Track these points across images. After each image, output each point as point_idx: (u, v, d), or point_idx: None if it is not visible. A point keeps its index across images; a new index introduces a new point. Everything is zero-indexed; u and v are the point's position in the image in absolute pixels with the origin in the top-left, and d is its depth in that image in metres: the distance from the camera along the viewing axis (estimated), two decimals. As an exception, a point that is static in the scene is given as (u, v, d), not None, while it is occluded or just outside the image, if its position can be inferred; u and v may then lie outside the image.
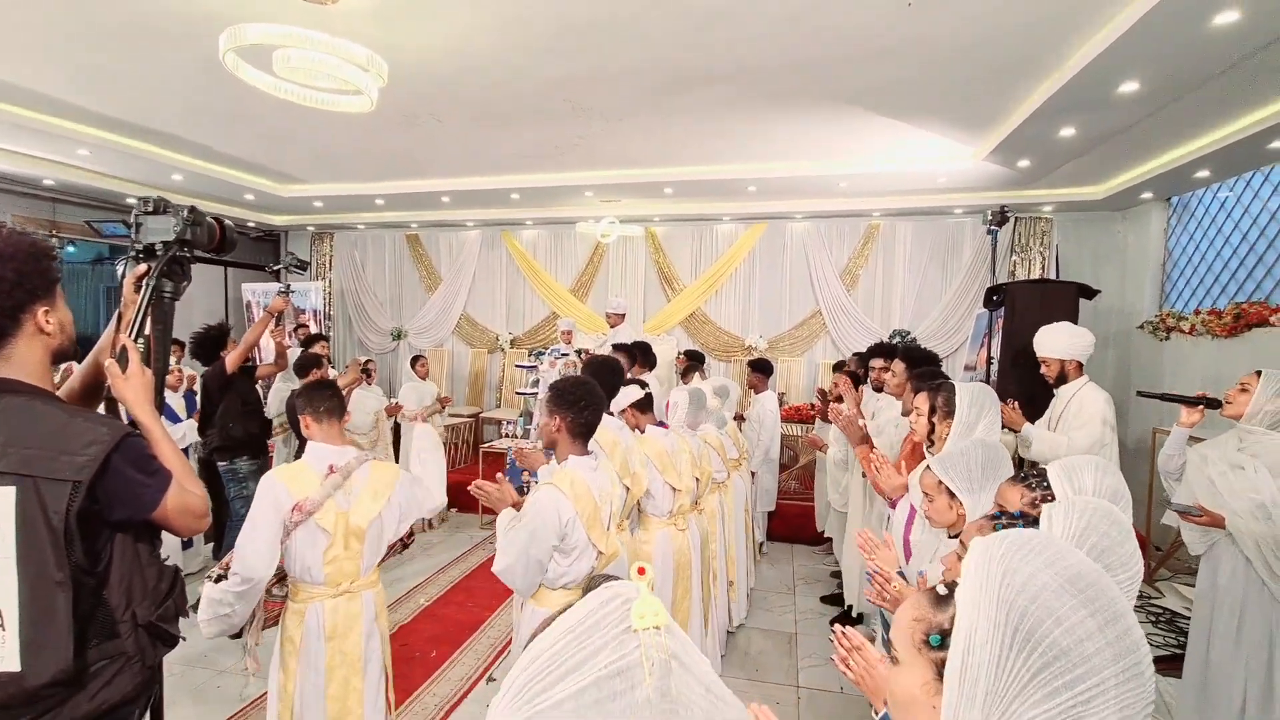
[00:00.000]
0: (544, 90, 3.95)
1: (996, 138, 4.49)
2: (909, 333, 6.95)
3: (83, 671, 1.23)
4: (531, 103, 4.17)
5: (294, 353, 4.89)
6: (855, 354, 5.07)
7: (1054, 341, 3.22)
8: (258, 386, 4.40)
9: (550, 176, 6.05)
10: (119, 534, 1.30)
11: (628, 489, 2.56)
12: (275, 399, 4.82)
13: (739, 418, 5.13)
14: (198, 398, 4.68)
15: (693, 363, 5.13)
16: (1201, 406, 2.59)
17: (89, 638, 1.25)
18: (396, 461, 5.25)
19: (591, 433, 2.19)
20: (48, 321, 1.30)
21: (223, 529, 4.02)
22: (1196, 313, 5.10)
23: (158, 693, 1.45)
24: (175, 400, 4.77)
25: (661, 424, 3.26)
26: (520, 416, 6.36)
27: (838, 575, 4.61)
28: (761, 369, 5.31)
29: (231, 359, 3.85)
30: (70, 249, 6.98)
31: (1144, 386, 3.50)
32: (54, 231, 6.38)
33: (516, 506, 2.14)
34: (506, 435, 6.31)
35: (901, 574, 1.82)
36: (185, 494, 1.35)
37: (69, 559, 1.18)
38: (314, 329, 7.66)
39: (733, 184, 6.01)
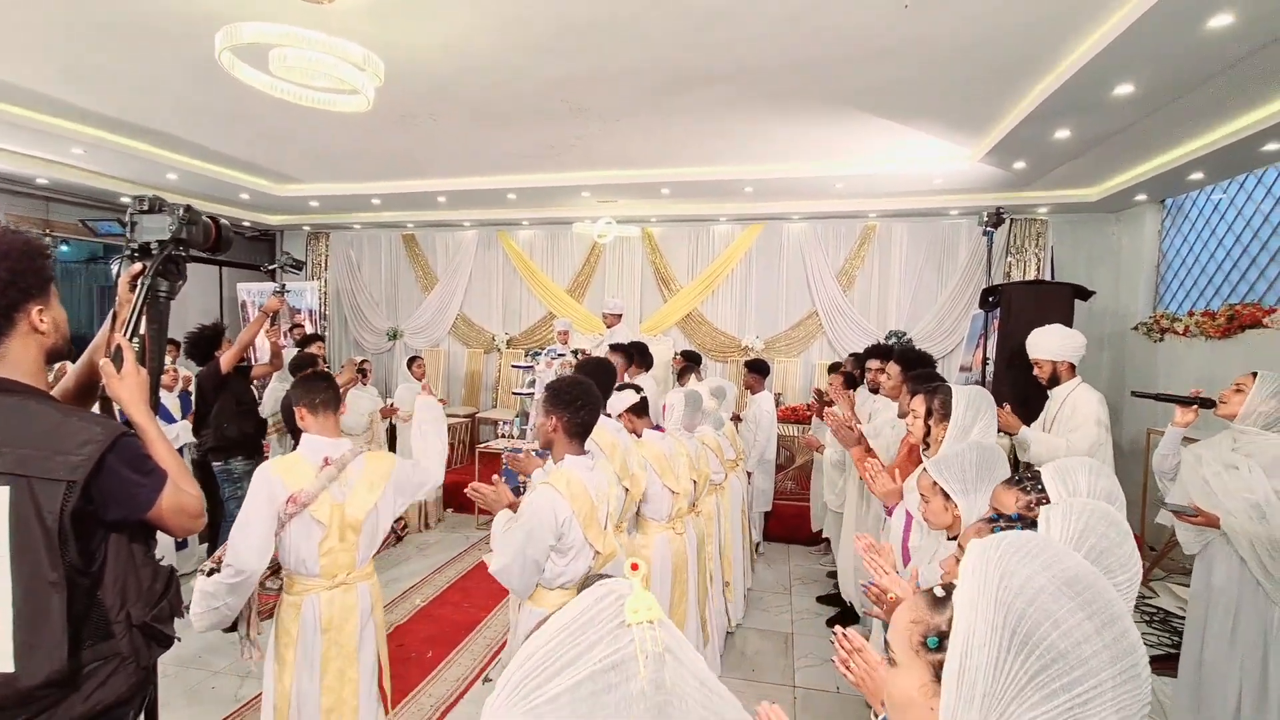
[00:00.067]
0: (542, 90, 3.95)
1: (992, 139, 4.51)
2: (905, 334, 6.96)
3: (77, 672, 1.22)
4: (529, 103, 4.16)
5: (289, 353, 4.87)
6: (851, 355, 5.08)
7: (1046, 343, 3.25)
8: (253, 387, 4.38)
9: (547, 177, 6.04)
10: (114, 534, 1.29)
11: (626, 490, 2.56)
12: (270, 399, 4.80)
13: (735, 418, 5.13)
14: (192, 398, 4.66)
15: (689, 363, 5.14)
16: (1196, 406, 2.60)
17: (83, 638, 1.24)
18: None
19: (588, 432, 2.19)
20: (42, 320, 1.29)
21: (217, 530, 4.00)
22: (1190, 314, 5.13)
23: (152, 693, 1.44)
24: (170, 400, 4.76)
25: (658, 427, 3.26)
26: (517, 417, 6.35)
27: (834, 575, 4.62)
28: (758, 370, 5.31)
29: (226, 359, 3.83)
30: (64, 248, 6.94)
31: (1138, 387, 3.52)
32: (48, 230, 6.35)
33: (513, 508, 2.14)
34: (503, 436, 6.30)
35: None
36: (180, 494, 1.34)
37: (63, 559, 1.18)
38: (309, 329, 7.64)
39: (730, 185, 6.02)
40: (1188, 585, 2.75)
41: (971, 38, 3.15)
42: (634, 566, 0.61)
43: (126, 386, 1.38)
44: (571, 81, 3.80)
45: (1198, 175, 4.90)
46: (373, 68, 2.70)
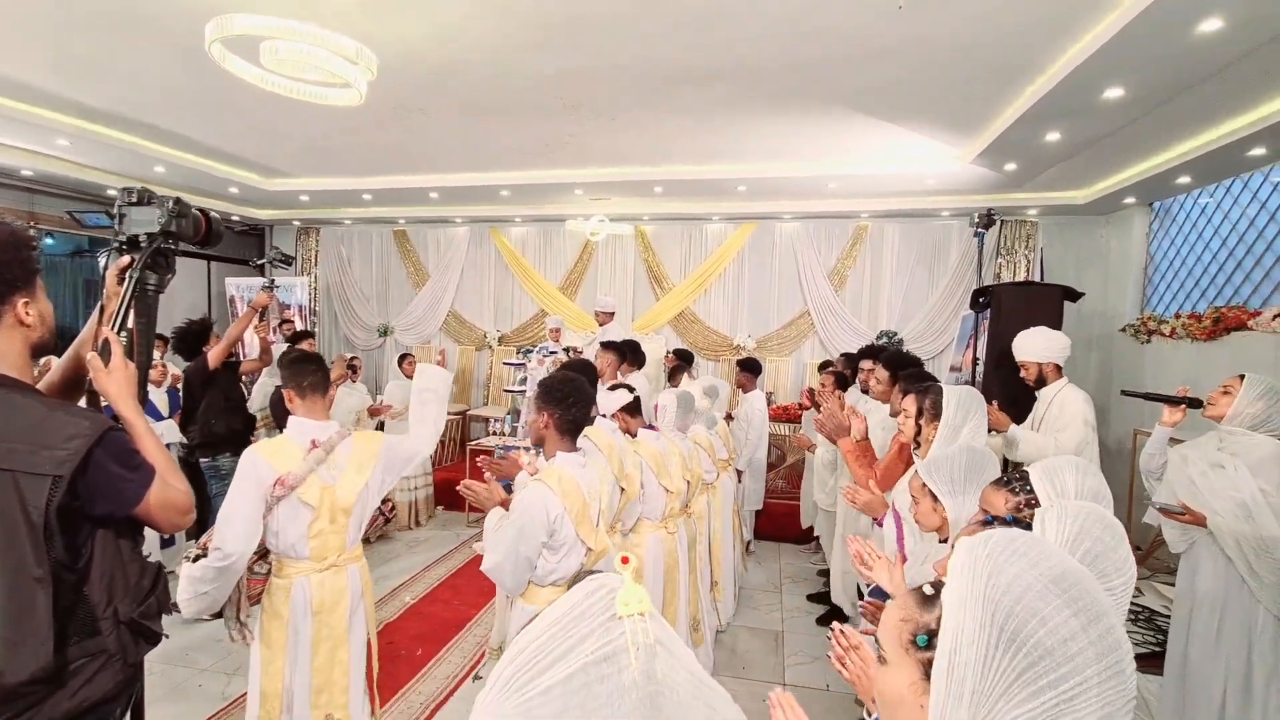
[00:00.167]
0: (536, 86, 3.93)
1: (984, 141, 4.54)
2: (896, 334, 7.00)
3: (63, 669, 1.21)
4: (523, 98, 4.15)
5: (279, 348, 4.83)
6: (843, 355, 5.11)
7: (1031, 345, 3.29)
8: (242, 383, 4.35)
9: (540, 173, 6.03)
10: (100, 530, 1.28)
11: (623, 490, 2.56)
12: (259, 394, 4.77)
13: (728, 417, 5.14)
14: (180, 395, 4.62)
15: (681, 362, 5.14)
16: (1184, 406, 2.63)
17: (69, 635, 1.23)
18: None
19: (579, 430, 2.19)
20: (27, 313, 1.27)
21: (204, 527, 3.97)
22: (1177, 316, 5.18)
23: (139, 691, 1.43)
24: (158, 396, 4.71)
25: (650, 427, 3.26)
26: (508, 414, 6.34)
27: (824, 574, 4.64)
28: (750, 369, 5.32)
29: (214, 354, 3.80)
30: (49, 241, 6.85)
31: (1126, 388, 3.56)
32: (32, 223, 6.27)
33: (505, 505, 2.13)
34: (494, 433, 6.29)
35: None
36: (169, 489, 1.33)
37: (49, 555, 1.17)
38: (299, 325, 7.58)
39: (723, 184, 6.02)
40: (1173, 584, 2.79)
41: (965, 40, 3.17)
42: (624, 560, 0.61)
43: (114, 381, 1.36)
44: (565, 77, 3.79)
45: (1185, 179, 4.96)
46: (365, 61, 2.68)
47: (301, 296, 8.27)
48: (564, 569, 2.05)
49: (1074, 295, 4.44)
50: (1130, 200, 5.81)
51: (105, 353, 1.37)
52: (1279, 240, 4.48)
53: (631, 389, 3.09)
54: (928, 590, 0.82)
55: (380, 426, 5.80)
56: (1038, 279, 6.37)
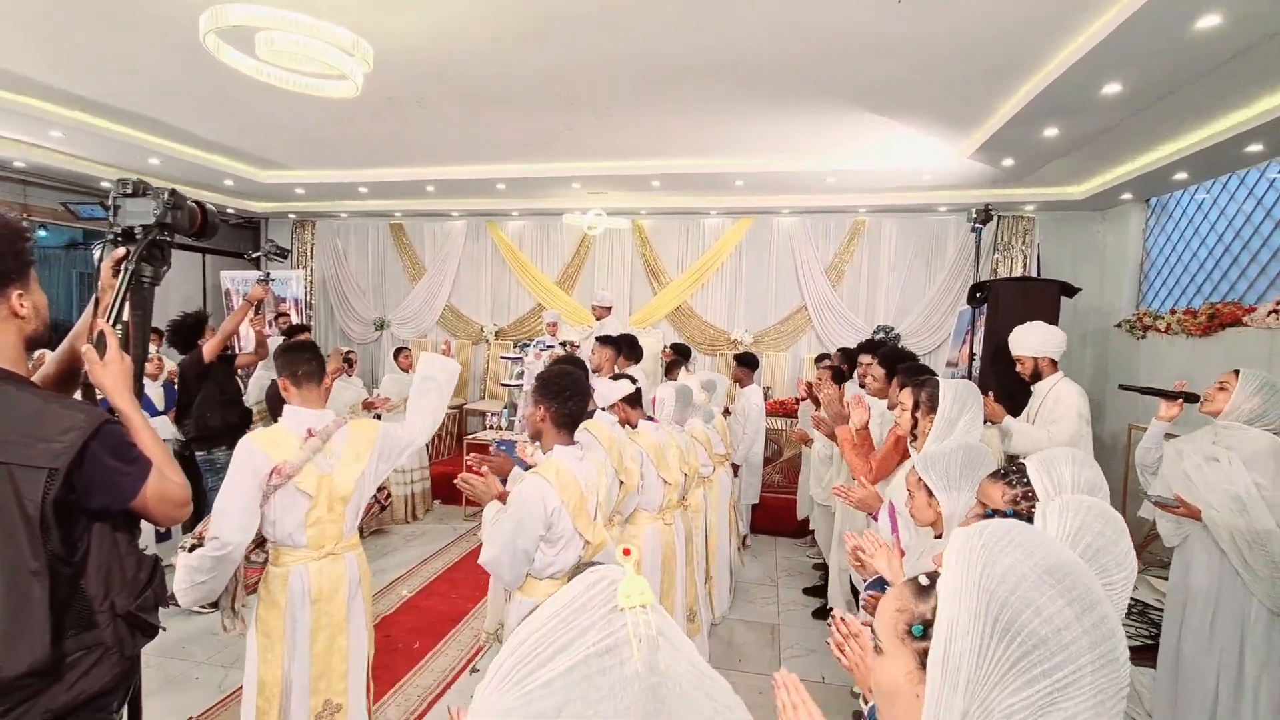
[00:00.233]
0: (533, 78, 3.92)
1: (982, 136, 4.54)
2: (893, 329, 7.01)
3: (60, 662, 1.21)
4: (520, 91, 4.13)
5: (274, 341, 4.82)
6: (840, 350, 5.11)
7: (1027, 340, 3.30)
8: (238, 376, 4.34)
9: (537, 167, 6.01)
10: (97, 523, 1.27)
11: (622, 483, 2.57)
12: (255, 387, 4.76)
13: (725, 411, 5.15)
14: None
15: (679, 356, 5.14)
16: (1181, 400, 2.65)
17: (66, 628, 1.22)
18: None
19: (576, 423, 2.19)
20: (22, 305, 1.27)
21: (199, 519, 3.96)
22: (1172, 312, 5.20)
23: (136, 683, 1.43)
24: (154, 391, 4.69)
25: (650, 419, 3.28)
26: (505, 408, 6.34)
27: (819, 568, 4.66)
28: (747, 363, 5.33)
29: (209, 348, 3.79)
30: (42, 233, 6.81)
31: (1121, 384, 3.57)
32: (26, 214, 6.22)
33: (502, 499, 2.14)
34: (491, 427, 6.28)
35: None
36: (165, 482, 1.33)
37: (45, 548, 1.16)
38: (295, 318, 7.56)
39: (721, 178, 6.01)
40: (1166, 578, 2.80)
41: (964, 36, 3.16)
42: (626, 552, 0.61)
43: (110, 373, 1.36)
44: (563, 70, 3.77)
45: (1182, 175, 4.96)
46: (361, 53, 2.67)
47: (297, 290, 8.24)
48: (562, 562, 2.06)
49: (1071, 291, 4.45)
50: (1127, 196, 5.82)
51: (100, 345, 1.36)
52: (1275, 236, 4.49)
53: (634, 379, 3.11)
54: (923, 581, 0.83)
55: (377, 419, 5.79)
56: (1034, 274, 6.39)
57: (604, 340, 4.54)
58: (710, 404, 4.15)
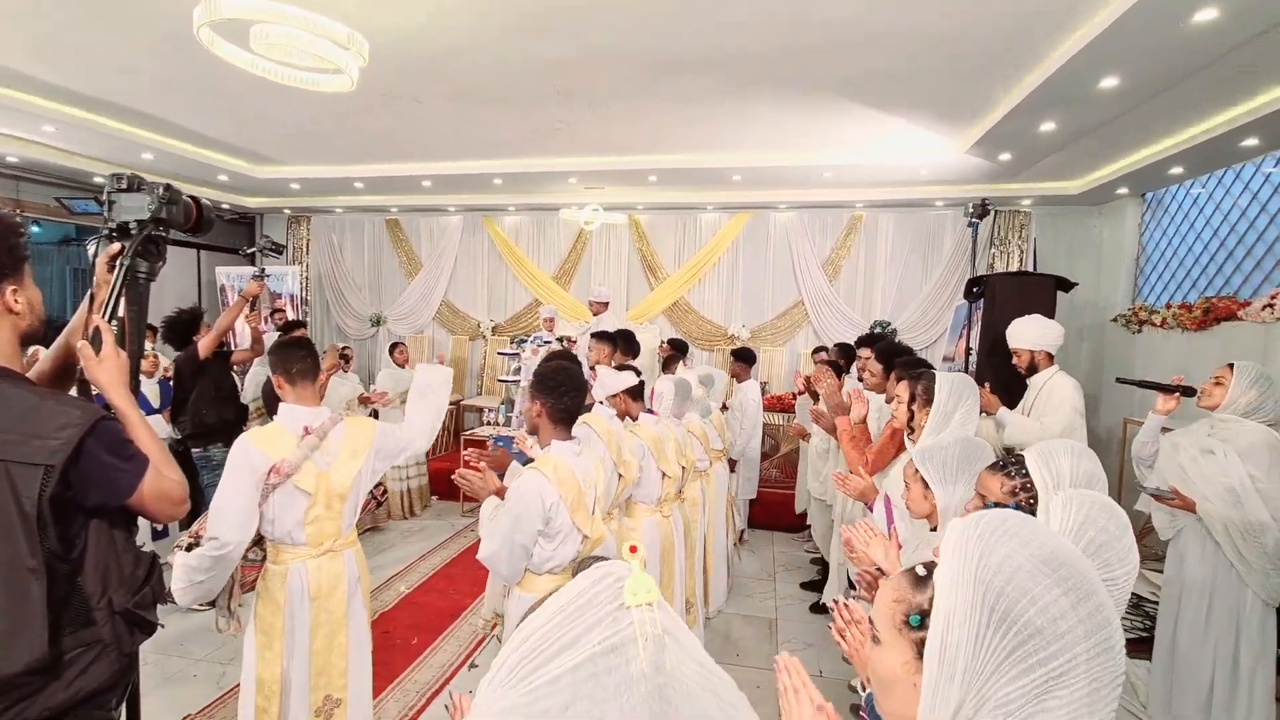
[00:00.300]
0: (528, 72, 3.90)
1: (979, 131, 4.53)
2: (890, 323, 7.02)
3: (58, 660, 1.21)
4: (516, 85, 4.11)
5: (270, 337, 4.80)
6: (837, 345, 5.12)
7: (1025, 333, 3.31)
8: (234, 373, 4.32)
9: (534, 162, 5.98)
10: (94, 520, 1.27)
11: (621, 477, 2.57)
12: (252, 384, 4.74)
13: (722, 407, 5.15)
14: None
15: (676, 352, 5.14)
16: (1177, 394, 2.66)
17: (64, 625, 1.22)
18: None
19: (573, 418, 2.19)
20: (16, 301, 1.26)
21: (196, 516, 3.96)
22: (1168, 306, 5.22)
23: (134, 681, 1.43)
24: (149, 388, 4.67)
25: (650, 411, 3.28)
26: (502, 404, 6.33)
27: (817, 562, 4.68)
28: (744, 358, 5.33)
29: (204, 344, 3.77)
30: (35, 229, 6.77)
31: (1117, 378, 3.59)
32: (19, 210, 6.18)
33: (499, 494, 2.14)
34: (488, 423, 6.28)
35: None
36: (162, 479, 1.32)
37: (42, 545, 1.16)
38: (291, 314, 7.54)
39: (718, 173, 6.00)
40: (1161, 571, 2.82)
41: (961, 29, 3.16)
42: (632, 549, 0.61)
43: (106, 369, 1.35)
44: (558, 64, 3.76)
45: (1178, 170, 4.97)
46: (356, 46, 2.65)
47: (293, 286, 8.20)
48: (560, 556, 2.06)
49: (1067, 285, 4.46)
50: (1123, 191, 5.83)
51: (96, 341, 1.35)
52: (1270, 230, 4.51)
53: (638, 371, 3.12)
54: (920, 571, 0.83)
55: (374, 415, 5.79)
56: (1031, 269, 6.39)
57: (600, 336, 4.54)
58: (708, 399, 4.16)
